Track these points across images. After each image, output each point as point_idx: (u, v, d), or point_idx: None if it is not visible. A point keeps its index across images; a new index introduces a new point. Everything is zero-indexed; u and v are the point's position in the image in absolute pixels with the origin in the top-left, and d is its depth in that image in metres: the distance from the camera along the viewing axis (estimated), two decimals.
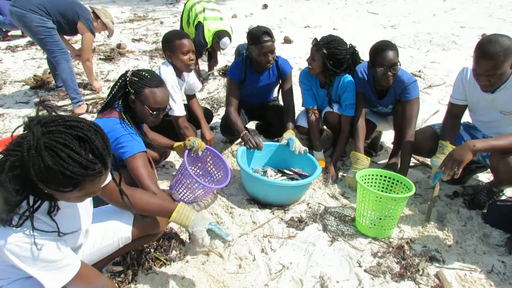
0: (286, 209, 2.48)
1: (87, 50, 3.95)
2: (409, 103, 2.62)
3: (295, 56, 5.61)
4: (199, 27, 4.12)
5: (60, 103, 4.10)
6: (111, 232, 1.66)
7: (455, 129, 2.46)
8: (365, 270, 1.98)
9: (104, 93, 4.32)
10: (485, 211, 2.40)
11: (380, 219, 2.16)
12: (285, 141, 2.73)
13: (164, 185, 2.72)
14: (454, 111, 2.46)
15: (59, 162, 1.05)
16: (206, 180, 2.69)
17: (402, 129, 2.62)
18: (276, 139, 3.18)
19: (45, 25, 3.50)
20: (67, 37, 4.14)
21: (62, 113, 3.78)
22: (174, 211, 1.63)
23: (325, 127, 3.26)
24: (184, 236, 2.19)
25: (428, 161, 3.01)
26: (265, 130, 3.37)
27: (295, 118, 3.04)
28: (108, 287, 1.44)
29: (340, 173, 2.89)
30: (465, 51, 5.74)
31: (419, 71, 4.96)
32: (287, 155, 2.76)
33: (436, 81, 4.71)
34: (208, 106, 4.06)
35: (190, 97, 3.05)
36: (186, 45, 2.65)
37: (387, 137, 3.35)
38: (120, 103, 2.05)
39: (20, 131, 1.15)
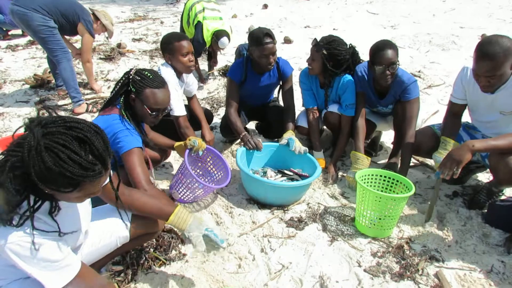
0: (286, 209, 2.48)
1: (87, 52, 3.96)
2: (409, 103, 2.62)
3: (295, 56, 5.61)
4: (199, 26, 4.13)
5: (60, 103, 4.10)
6: (109, 231, 1.66)
7: (456, 127, 2.47)
8: (364, 270, 1.98)
9: (104, 93, 4.32)
10: (485, 211, 2.40)
11: (380, 219, 2.16)
12: (285, 141, 2.73)
13: (164, 184, 2.72)
14: (454, 109, 2.46)
15: (59, 163, 1.06)
16: (206, 180, 2.69)
17: (403, 129, 2.62)
18: (276, 139, 3.19)
19: (47, 24, 3.50)
20: (67, 37, 4.14)
21: (62, 113, 3.81)
22: (172, 214, 1.63)
23: (324, 127, 3.26)
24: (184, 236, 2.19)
25: (427, 161, 3.02)
26: (265, 130, 3.37)
27: (295, 118, 3.04)
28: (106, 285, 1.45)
29: (340, 173, 2.89)
30: (464, 51, 5.74)
31: (419, 71, 4.96)
32: (287, 155, 2.76)
33: (436, 81, 4.71)
34: (208, 106, 4.06)
35: (190, 97, 3.05)
36: (185, 46, 2.65)
37: (387, 137, 3.35)
38: (121, 100, 2.06)
39: (21, 131, 1.16)
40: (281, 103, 3.13)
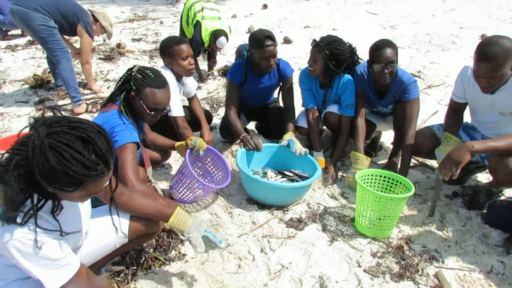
0: (286, 209, 2.48)
1: (86, 53, 3.97)
2: (409, 103, 2.62)
3: (295, 56, 5.60)
4: (197, 26, 4.13)
5: (60, 103, 4.10)
6: (108, 232, 1.66)
7: (458, 123, 2.48)
8: (364, 270, 1.98)
9: (104, 93, 4.32)
10: (485, 211, 2.40)
11: (380, 219, 2.16)
12: (285, 143, 2.73)
13: (163, 185, 2.72)
14: (455, 107, 2.48)
15: (63, 162, 1.08)
16: (206, 180, 2.69)
17: (403, 130, 2.62)
18: (275, 140, 3.19)
19: (47, 24, 3.51)
20: (66, 37, 4.14)
21: (63, 113, 3.80)
22: (171, 215, 1.63)
23: (324, 127, 3.26)
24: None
25: (427, 161, 3.02)
26: (264, 130, 3.37)
27: (295, 118, 3.04)
28: (106, 286, 1.46)
29: (340, 173, 2.89)
30: (464, 51, 5.75)
31: (419, 72, 4.96)
32: (287, 156, 2.76)
33: (436, 81, 4.71)
34: (207, 106, 4.06)
35: (190, 98, 3.05)
36: (185, 50, 2.65)
37: (387, 137, 3.35)
38: (122, 96, 2.06)
39: (26, 131, 1.18)
40: (281, 103, 3.13)
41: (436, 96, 4.31)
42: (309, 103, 2.97)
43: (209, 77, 4.86)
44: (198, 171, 2.72)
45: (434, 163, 2.94)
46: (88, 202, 1.52)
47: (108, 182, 1.48)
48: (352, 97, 2.79)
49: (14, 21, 3.61)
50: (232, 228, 2.30)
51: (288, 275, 1.95)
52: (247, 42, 3.12)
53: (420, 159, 3.05)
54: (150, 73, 2.05)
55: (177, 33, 5.29)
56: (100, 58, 5.46)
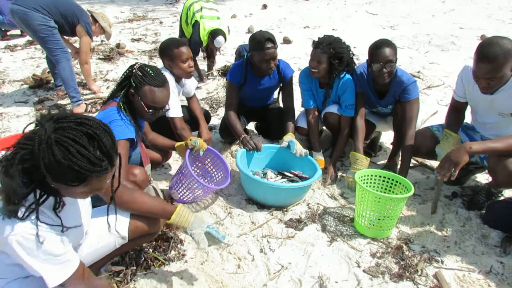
0: (285, 209, 2.47)
1: (85, 53, 3.97)
2: (409, 103, 2.63)
3: (294, 56, 5.61)
4: (196, 25, 4.14)
5: (59, 103, 4.10)
6: (107, 232, 1.66)
7: (458, 122, 2.49)
8: (363, 271, 1.98)
9: (103, 93, 4.31)
10: (484, 211, 2.40)
11: (379, 219, 2.16)
12: (285, 144, 2.72)
13: (163, 184, 2.72)
14: (457, 106, 2.49)
15: (68, 156, 1.10)
16: (206, 180, 2.69)
17: (402, 130, 2.62)
18: (275, 140, 3.18)
19: (47, 24, 3.51)
20: (66, 37, 4.14)
21: None
22: (173, 213, 1.65)
23: (324, 127, 3.26)
24: (183, 236, 2.19)
25: (427, 162, 3.02)
26: (264, 130, 3.37)
27: (295, 119, 3.04)
28: (105, 286, 1.47)
29: (339, 174, 2.89)
30: (464, 52, 5.75)
31: (418, 72, 4.96)
32: (287, 157, 2.76)
33: (435, 82, 4.71)
34: (207, 107, 4.06)
35: (189, 97, 3.05)
36: (185, 53, 2.65)
37: (386, 137, 3.35)
38: (122, 93, 2.07)
39: (27, 130, 1.19)
40: (281, 104, 3.13)
41: (436, 97, 4.31)
42: (309, 104, 2.97)
43: (209, 77, 4.86)
44: (198, 171, 2.72)
45: (433, 163, 2.94)
46: (88, 202, 1.53)
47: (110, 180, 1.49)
48: (352, 98, 2.79)
49: (14, 20, 3.61)
50: (231, 228, 2.30)
51: (288, 275, 1.95)
52: (246, 42, 3.12)
53: (420, 160, 3.05)
54: (151, 71, 2.05)
55: (176, 33, 5.29)
56: (99, 58, 5.45)
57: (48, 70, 4.34)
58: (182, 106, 2.83)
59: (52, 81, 4.41)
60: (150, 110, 2.07)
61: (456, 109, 2.49)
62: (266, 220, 2.36)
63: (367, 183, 2.38)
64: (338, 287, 1.88)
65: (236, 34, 6.67)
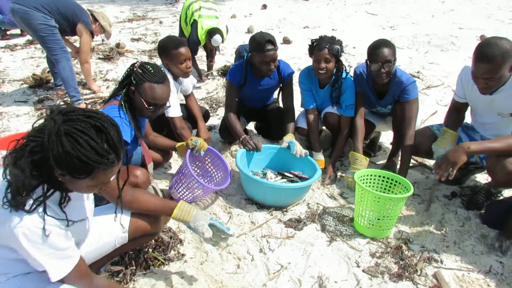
0: (285, 209, 2.48)
1: (86, 53, 3.97)
2: (408, 103, 2.63)
3: (294, 56, 5.60)
4: (194, 25, 4.15)
5: (59, 102, 4.10)
6: (108, 231, 1.66)
7: (458, 122, 2.49)
8: (363, 270, 1.98)
9: (103, 93, 4.31)
10: (483, 211, 2.40)
11: (379, 219, 2.16)
12: (286, 144, 2.72)
13: (163, 184, 2.72)
14: (457, 106, 2.49)
15: (77, 147, 1.12)
16: (206, 180, 2.69)
17: (402, 130, 2.62)
18: (275, 140, 3.18)
19: (48, 23, 3.51)
20: (66, 37, 4.14)
21: None
22: (175, 208, 1.67)
23: (324, 127, 3.26)
24: (183, 236, 2.19)
25: (426, 161, 3.02)
26: (264, 130, 3.37)
27: (295, 119, 3.04)
28: (104, 284, 1.48)
29: (339, 173, 2.90)
30: (463, 52, 5.76)
31: (418, 72, 4.97)
32: (287, 158, 2.76)
33: (435, 82, 4.72)
34: (207, 106, 4.06)
35: (187, 95, 3.05)
36: (183, 53, 2.66)
37: (386, 137, 3.36)
38: (123, 92, 2.07)
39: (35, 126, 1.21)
40: (281, 104, 3.13)
41: (435, 97, 4.31)
42: (309, 104, 2.97)
43: (208, 77, 4.86)
44: (198, 170, 2.72)
45: (433, 163, 2.94)
46: (91, 200, 1.54)
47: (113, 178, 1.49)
48: (352, 98, 2.80)
49: (14, 20, 3.61)
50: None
51: (287, 275, 1.96)
52: (246, 42, 3.12)
53: (419, 159, 3.05)
54: (150, 68, 2.05)
55: (176, 33, 5.29)
56: (99, 58, 5.45)
57: (48, 69, 4.34)
58: (180, 105, 2.82)
59: (52, 81, 4.41)
60: (151, 107, 2.07)
61: (457, 109, 2.49)
62: (266, 220, 2.36)
63: (366, 183, 2.38)
64: (338, 287, 1.89)
65: (236, 34, 6.67)
